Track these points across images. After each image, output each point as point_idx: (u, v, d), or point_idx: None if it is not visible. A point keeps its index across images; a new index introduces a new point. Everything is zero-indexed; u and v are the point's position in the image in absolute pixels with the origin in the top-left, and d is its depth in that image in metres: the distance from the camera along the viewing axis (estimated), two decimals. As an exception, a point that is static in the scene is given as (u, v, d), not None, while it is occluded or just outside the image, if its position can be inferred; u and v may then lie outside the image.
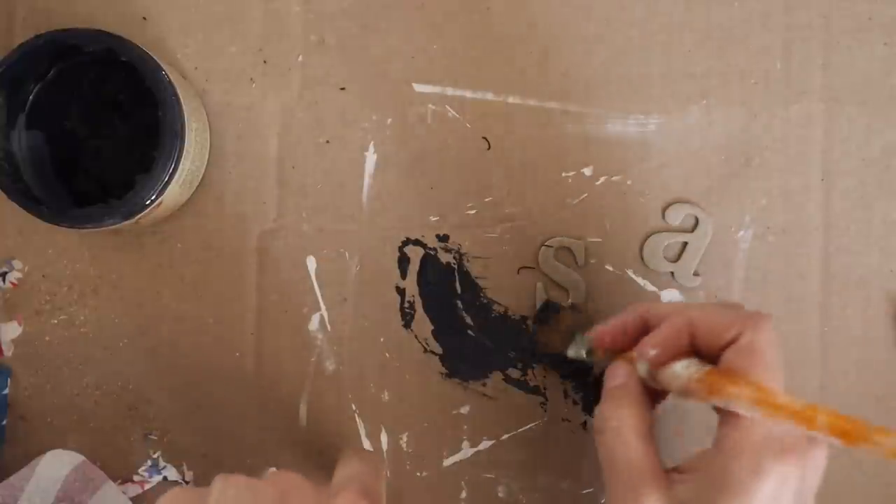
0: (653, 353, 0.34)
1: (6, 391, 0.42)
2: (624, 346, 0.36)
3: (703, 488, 0.30)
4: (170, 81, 0.36)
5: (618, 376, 0.34)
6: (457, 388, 0.42)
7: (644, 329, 0.35)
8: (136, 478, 0.42)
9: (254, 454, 0.42)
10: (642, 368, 0.34)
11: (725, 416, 0.32)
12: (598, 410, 0.34)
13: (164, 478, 0.41)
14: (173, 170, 0.37)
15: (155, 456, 0.42)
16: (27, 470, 0.39)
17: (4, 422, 0.42)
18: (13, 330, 0.42)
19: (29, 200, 0.36)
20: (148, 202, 0.36)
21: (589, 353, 0.37)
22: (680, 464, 0.33)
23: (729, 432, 0.31)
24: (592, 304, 0.42)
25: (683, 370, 0.32)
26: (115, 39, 0.36)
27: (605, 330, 0.36)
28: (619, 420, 0.33)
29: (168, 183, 0.37)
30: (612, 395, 0.34)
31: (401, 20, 0.42)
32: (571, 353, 0.38)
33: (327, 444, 0.42)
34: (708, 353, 0.33)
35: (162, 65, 0.36)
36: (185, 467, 0.42)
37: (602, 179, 0.42)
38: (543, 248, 0.42)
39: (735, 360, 0.32)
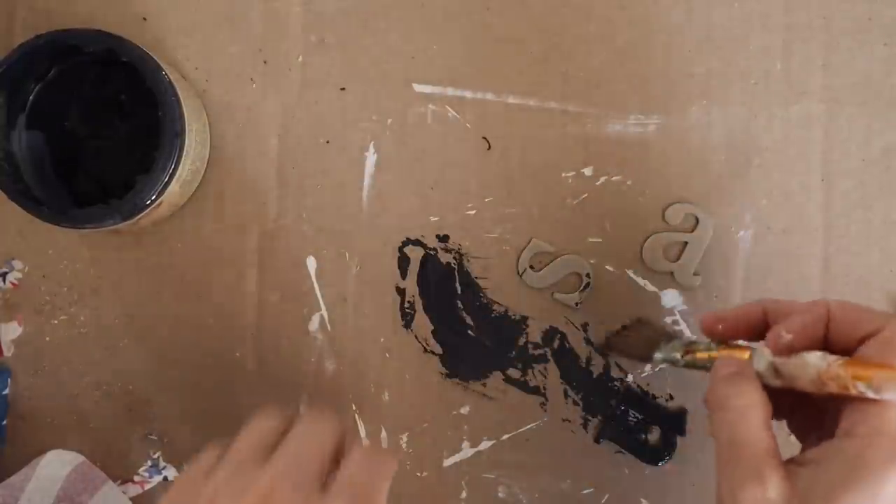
0: (788, 337, 0.32)
1: (6, 391, 0.42)
2: (736, 334, 0.35)
3: (830, 475, 0.29)
4: (170, 82, 0.36)
5: (732, 365, 0.33)
6: (457, 388, 0.42)
7: (762, 322, 0.34)
8: (136, 478, 0.42)
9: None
10: (761, 362, 0.32)
11: (854, 406, 0.30)
12: (711, 390, 0.33)
13: (165, 478, 0.41)
14: (173, 170, 0.37)
15: (155, 456, 0.42)
16: (28, 470, 0.39)
17: (4, 422, 0.42)
18: (13, 330, 0.42)
19: (29, 201, 0.36)
20: (148, 202, 0.36)
21: (685, 353, 0.36)
22: (794, 456, 0.32)
23: (864, 419, 0.30)
24: (592, 303, 0.42)
25: (818, 360, 0.31)
26: (116, 40, 0.36)
27: (719, 316, 0.35)
28: (744, 399, 0.32)
29: (168, 183, 0.37)
30: (731, 378, 0.33)
31: (401, 20, 0.42)
32: (660, 355, 0.37)
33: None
34: (841, 348, 0.32)
35: (162, 65, 0.36)
36: (184, 467, 0.42)
37: (602, 179, 0.42)
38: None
39: (875, 351, 0.31)
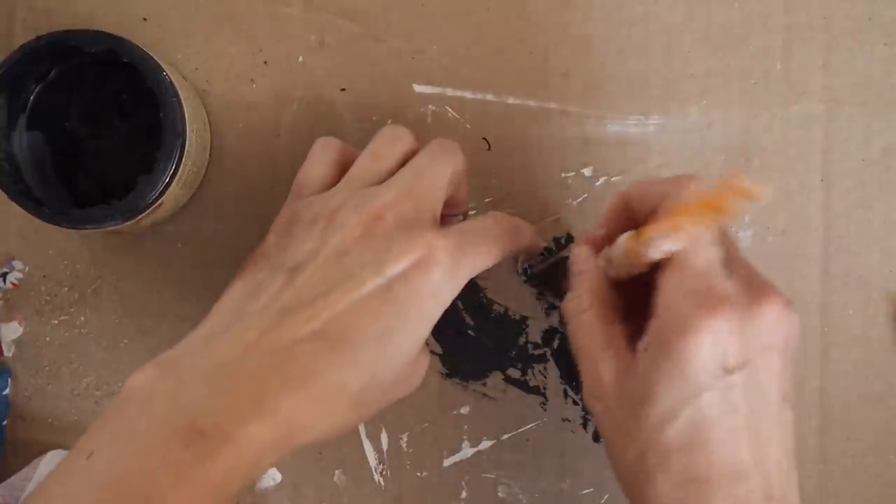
0: (600, 232, 0.34)
1: (7, 391, 0.42)
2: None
3: (648, 357, 0.29)
4: (171, 82, 0.36)
5: (575, 263, 0.34)
6: (457, 388, 0.42)
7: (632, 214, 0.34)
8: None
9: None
10: (601, 259, 0.33)
11: (658, 281, 0.30)
12: (563, 304, 0.34)
13: None
14: (174, 170, 0.37)
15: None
16: (28, 470, 0.39)
17: (5, 422, 0.42)
18: (14, 330, 0.42)
19: (30, 201, 0.36)
20: (149, 203, 0.36)
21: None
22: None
23: (659, 294, 0.30)
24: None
25: (622, 240, 0.32)
26: (116, 40, 0.36)
27: (589, 233, 0.35)
28: (578, 307, 0.33)
29: (169, 183, 0.37)
30: (572, 285, 0.34)
31: (401, 21, 0.42)
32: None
33: (328, 444, 0.42)
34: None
35: (163, 65, 0.36)
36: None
37: (602, 180, 0.42)
38: None
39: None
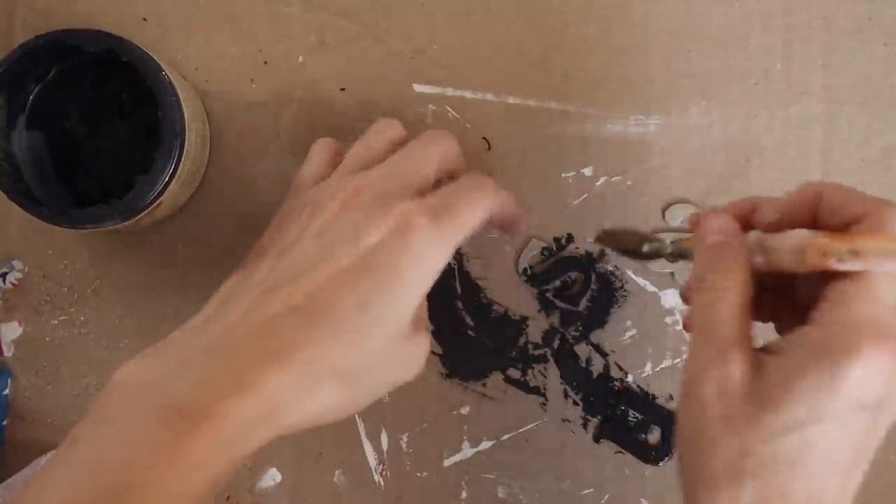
0: (773, 216, 0.31)
1: (6, 391, 0.42)
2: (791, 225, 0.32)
3: (790, 362, 0.28)
4: (170, 82, 0.36)
5: (722, 232, 0.31)
6: (457, 388, 0.42)
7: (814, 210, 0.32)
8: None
9: (253, 455, 0.42)
10: (754, 244, 0.31)
11: (826, 296, 0.29)
12: (696, 264, 0.31)
13: None
14: (173, 170, 0.37)
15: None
16: (28, 470, 0.39)
17: (4, 422, 0.42)
18: (13, 330, 0.42)
19: (29, 201, 0.36)
20: (148, 202, 0.36)
21: (673, 241, 0.34)
22: (767, 344, 0.30)
23: (831, 308, 0.28)
24: (593, 302, 0.42)
25: (802, 233, 0.30)
26: (116, 40, 0.36)
27: (772, 206, 0.32)
28: (725, 279, 0.30)
29: (168, 183, 0.37)
30: (718, 253, 0.31)
31: (401, 21, 0.42)
32: (648, 247, 0.34)
33: (328, 444, 0.42)
34: (829, 230, 0.30)
35: (162, 65, 0.36)
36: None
37: (602, 180, 0.42)
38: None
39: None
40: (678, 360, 0.42)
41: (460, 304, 0.42)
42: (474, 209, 0.31)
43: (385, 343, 0.30)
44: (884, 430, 0.29)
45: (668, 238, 0.34)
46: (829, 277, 0.29)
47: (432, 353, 0.42)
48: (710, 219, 0.31)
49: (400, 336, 0.30)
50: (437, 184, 0.33)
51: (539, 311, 0.42)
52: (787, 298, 0.33)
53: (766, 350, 0.30)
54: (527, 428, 0.42)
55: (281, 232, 0.32)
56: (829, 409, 0.27)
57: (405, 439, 0.42)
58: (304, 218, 0.32)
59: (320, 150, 0.35)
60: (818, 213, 0.31)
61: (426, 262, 0.30)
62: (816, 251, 0.29)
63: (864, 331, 0.27)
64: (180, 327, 0.31)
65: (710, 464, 0.29)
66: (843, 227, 0.30)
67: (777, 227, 0.31)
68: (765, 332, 0.32)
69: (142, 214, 0.37)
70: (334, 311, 0.29)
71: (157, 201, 0.37)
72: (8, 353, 0.42)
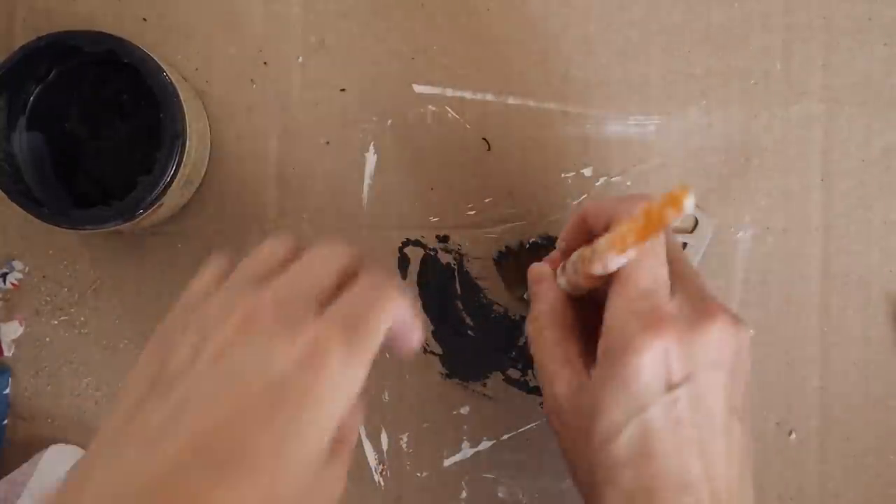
0: (562, 244, 0.35)
1: (7, 391, 0.42)
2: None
3: (597, 373, 0.30)
4: (171, 83, 0.36)
5: (533, 281, 0.35)
6: (457, 389, 0.42)
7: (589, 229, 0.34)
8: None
9: None
10: (561, 280, 0.34)
11: (608, 300, 0.31)
12: (525, 325, 0.35)
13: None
14: (174, 171, 0.37)
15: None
16: (28, 466, 0.39)
17: (5, 421, 0.42)
18: (14, 330, 0.42)
19: (30, 202, 0.36)
20: (149, 203, 0.36)
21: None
22: None
23: (608, 315, 0.30)
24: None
25: (576, 254, 0.33)
26: (116, 41, 0.36)
27: (562, 238, 0.36)
28: (539, 324, 0.33)
29: (169, 184, 0.37)
30: (531, 303, 0.35)
31: (401, 21, 0.42)
32: (525, 295, 0.38)
33: (327, 444, 0.42)
34: None
35: (163, 66, 0.36)
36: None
37: (602, 180, 0.42)
38: None
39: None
40: (678, 360, 0.42)
41: (460, 304, 0.42)
42: (383, 317, 0.28)
43: (304, 478, 0.26)
44: (720, 395, 0.30)
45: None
46: (609, 289, 0.31)
47: (432, 353, 0.42)
48: (529, 273, 0.36)
49: (319, 466, 0.26)
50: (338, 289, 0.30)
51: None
52: None
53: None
54: (527, 428, 0.42)
55: (168, 355, 0.27)
56: (639, 401, 0.29)
57: (405, 439, 0.42)
58: (194, 339, 0.27)
59: (214, 264, 0.32)
60: (591, 231, 0.33)
61: (343, 387, 0.26)
62: (581, 262, 0.32)
63: (634, 323, 0.29)
64: (98, 434, 0.27)
65: (581, 481, 0.31)
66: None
67: (567, 254, 0.34)
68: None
69: (143, 215, 0.37)
70: (246, 453, 0.24)
71: (158, 202, 0.37)
72: (8, 352, 0.42)
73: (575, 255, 0.33)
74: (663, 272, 0.30)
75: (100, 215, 0.36)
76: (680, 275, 0.31)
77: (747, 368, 0.31)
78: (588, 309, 0.34)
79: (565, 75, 0.42)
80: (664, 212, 0.27)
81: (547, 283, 0.35)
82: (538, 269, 0.35)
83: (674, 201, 0.26)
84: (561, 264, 0.35)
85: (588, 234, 0.34)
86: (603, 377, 0.30)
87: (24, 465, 0.40)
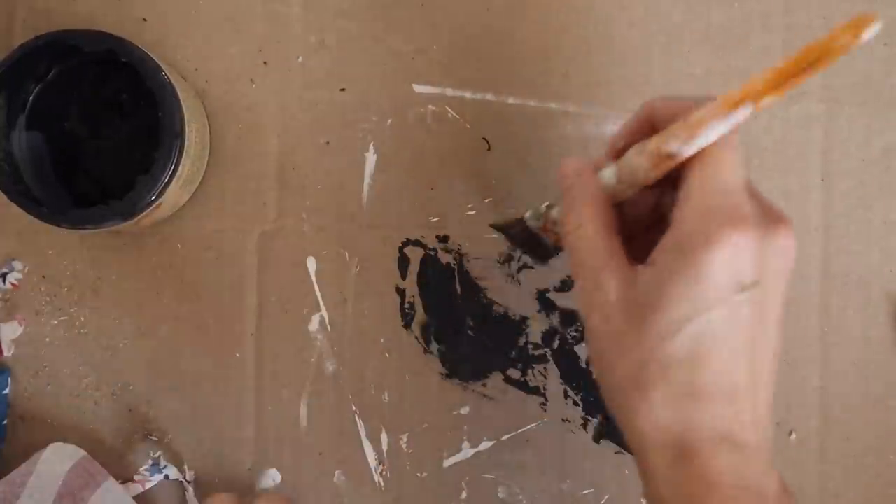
0: (620, 143, 0.33)
1: (6, 391, 0.42)
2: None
3: (659, 269, 0.29)
4: (170, 82, 0.36)
5: (570, 175, 0.33)
6: (457, 389, 0.42)
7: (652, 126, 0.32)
8: (136, 477, 0.42)
9: (254, 455, 0.42)
10: (609, 174, 0.32)
11: (681, 193, 0.30)
12: (561, 218, 0.33)
13: (166, 476, 0.41)
14: (173, 170, 0.37)
15: (156, 455, 0.42)
16: (28, 466, 0.39)
17: (5, 422, 0.42)
18: (13, 330, 0.42)
19: (29, 201, 0.36)
20: (148, 203, 0.36)
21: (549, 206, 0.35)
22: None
23: (683, 205, 0.29)
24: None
25: (639, 146, 0.31)
26: (116, 41, 0.36)
27: (616, 136, 0.33)
28: (578, 218, 0.31)
29: (168, 184, 0.37)
30: (569, 194, 0.32)
31: (401, 21, 0.42)
32: (528, 213, 0.36)
33: (328, 445, 0.42)
34: None
35: (162, 66, 0.36)
36: (185, 466, 0.42)
37: (602, 180, 0.42)
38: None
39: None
40: (678, 360, 0.42)
41: (460, 305, 0.42)
42: None
43: None
44: (777, 305, 0.29)
45: (541, 205, 0.36)
46: (680, 184, 0.30)
47: (432, 353, 0.42)
48: (562, 166, 0.33)
49: None
50: None
51: (539, 312, 0.42)
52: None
53: (642, 264, 0.30)
54: (527, 428, 0.42)
55: None
56: (708, 298, 0.28)
57: (405, 439, 0.42)
58: None
59: None
60: (657, 127, 0.31)
61: None
62: (654, 145, 0.30)
63: (715, 217, 0.28)
64: None
65: (620, 384, 0.30)
66: None
67: (621, 153, 0.32)
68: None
69: (142, 215, 0.37)
70: None
71: (158, 202, 0.37)
72: (8, 353, 0.42)
73: (632, 150, 0.31)
74: (744, 172, 0.29)
75: (99, 215, 0.36)
76: (749, 188, 0.30)
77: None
78: (623, 220, 0.32)
79: (565, 75, 0.42)
80: (837, 39, 0.24)
81: (587, 175, 0.32)
82: (575, 161, 0.32)
83: (854, 27, 0.23)
84: (608, 164, 0.32)
85: (653, 132, 0.31)
86: (670, 270, 0.28)
87: (24, 465, 0.40)
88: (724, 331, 0.28)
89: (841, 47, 0.24)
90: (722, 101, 0.27)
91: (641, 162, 0.30)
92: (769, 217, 0.29)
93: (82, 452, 0.40)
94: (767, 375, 0.29)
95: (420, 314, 0.42)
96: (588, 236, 0.31)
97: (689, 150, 0.29)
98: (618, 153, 0.32)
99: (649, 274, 0.29)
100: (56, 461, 0.40)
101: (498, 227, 0.41)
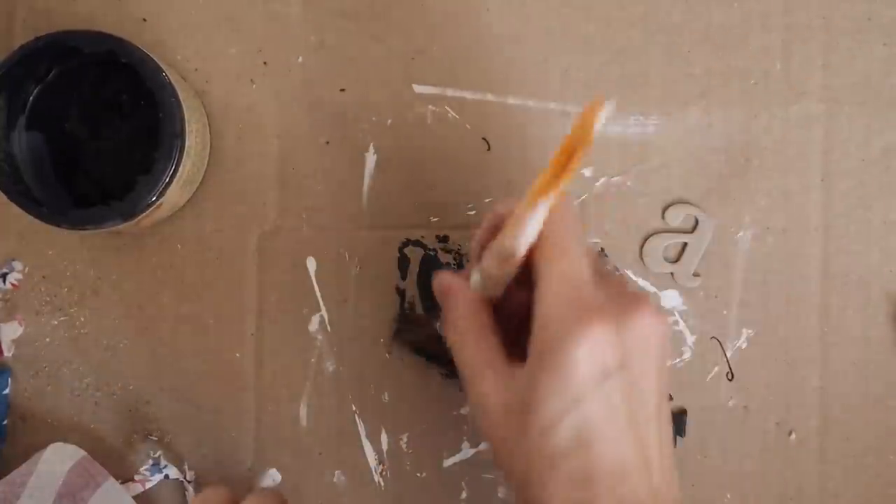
0: (475, 249, 0.34)
1: (7, 391, 0.42)
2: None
3: (530, 367, 0.30)
4: (170, 83, 0.36)
5: (439, 288, 0.34)
6: (457, 389, 0.42)
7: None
8: (137, 477, 0.42)
9: (254, 455, 0.42)
10: (476, 278, 0.33)
11: (536, 292, 0.31)
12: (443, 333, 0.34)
13: (166, 476, 0.41)
14: (173, 171, 0.37)
15: (156, 455, 0.42)
16: (28, 465, 0.39)
17: (5, 422, 0.42)
18: (13, 330, 0.42)
19: (29, 202, 0.36)
20: (148, 203, 0.36)
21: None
22: None
23: (537, 305, 0.30)
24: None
25: (493, 243, 0.32)
26: (116, 41, 0.36)
27: (475, 243, 0.35)
28: (455, 331, 0.33)
29: (168, 184, 0.37)
30: (444, 310, 0.34)
31: (400, 21, 0.42)
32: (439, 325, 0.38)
33: (328, 445, 0.42)
34: None
35: (162, 66, 0.36)
36: (186, 466, 0.42)
37: (602, 180, 0.42)
38: None
39: None
40: (678, 360, 0.42)
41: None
42: None
43: None
44: (650, 378, 0.30)
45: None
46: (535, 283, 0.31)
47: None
48: (435, 281, 0.34)
49: None
50: None
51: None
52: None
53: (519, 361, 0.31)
54: (527, 428, 0.42)
55: None
56: (577, 392, 0.29)
57: (405, 439, 0.42)
58: None
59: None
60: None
61: None
62: (495, 246, 0.31)
63: (566, 314, 0.29)
64: None
65: (517, 480, 0.31)
66: None
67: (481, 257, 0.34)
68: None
69: (142, 215, 0.37)
70: None
71: (158, 202, 0.37)
72: (8, 353, 0.42)
73: (490, 245, 0.32)
74: (587, 262, 0.31)
75: (99, 215, 0.36)
76: (599, 272, 0.32)
77: (668, 354, 0.32)
78: (502, 317, 0.34)
79: (565, 75, 0.42)
80: (579, 131, 0.26)
81: (457, 287, 0.34)
82: (446, 278, 0.34)
83: (587, 117, 0.26)
84: (475, 264, 0.34)
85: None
86: (537, 372, 0.30)
87: (24, 465, 0.40)
88: (600, 417, 0.29)
89: (585, 134, 0.26)
90: (527, 196, 0.29)
91: (492, 264, 0.32)
92: (624, 300, 0.30)
93: (82, 452, 0.40)
94: (658, 445, 0.30)
95: (420, 315, 0.42)
96: (467, 346, 0.32)
97: (521, 246, 0.30)
98: (477, 259, 0.34)
99: (523, 376, 0.30)
100: (56, 461, 0.40)
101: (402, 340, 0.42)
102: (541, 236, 0.30)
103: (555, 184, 0.28)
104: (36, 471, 0.39)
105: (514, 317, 0.33)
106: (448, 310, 0.34)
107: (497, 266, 0.32)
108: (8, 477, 0.39)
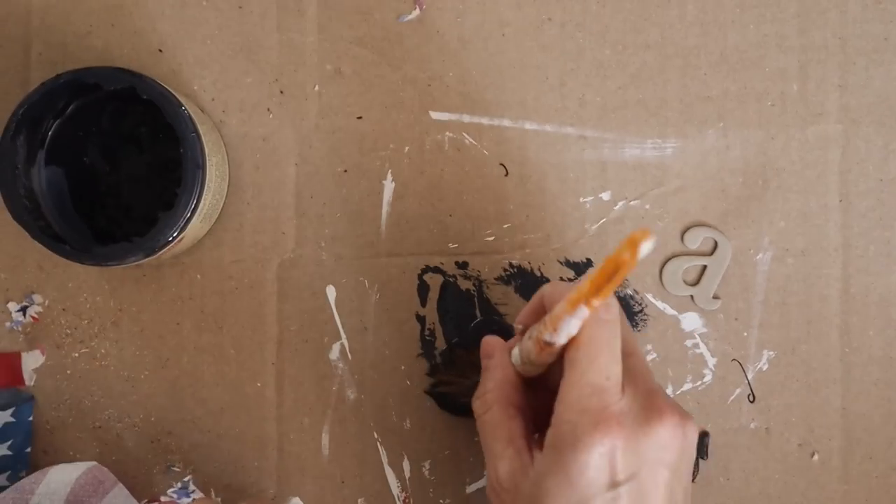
0: (520, 327, 0.35)
1: (31, 418, 0.42)
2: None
3: (544, 460, 0.31)
4: (190, 117, 0.36)
5: (485, 355, 0.35)
6: (478, 415, 0.42)
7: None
8: (163, 498, 0.41)
9: (277, 484, 0.42)
10: (516, 354, 0.34)
11: (560, 388, 0.31)
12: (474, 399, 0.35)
13: (193, 501, 0.41)
14: (195, 206, 0.37)
15: (186, 479, 0.41)
16: (38, 474, 0.39)
17: (28, 449, 0.42)
18: (35, 359, 0.42)
19: (51, 239, 0.36)
20: (170, 239, 0.36)
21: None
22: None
23: (558, 402, 0.31)
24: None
25: (532, 330, 0.33)
26: (136, 77, 0.36)
27: (519, 319, 0.36)
28: (486, 403, 0.34)
29: (190, 219, 0.37)
30: (483, 377, 0.35)
31: (416, 48, 0.42)
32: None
33: (350, 473, 0.42)
34: None
35: (182, 101, 0.36)
36: (213, 494, 0.42)
37: (620, 204, 0.42)
38: None
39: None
40: (699, 382, 0.42)
41: (481, 329, 0.42)
42: None
43: None
44: (658, 492, 0.30)
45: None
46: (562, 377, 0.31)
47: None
48: (482, 345, 0.36)
49: None
50: None
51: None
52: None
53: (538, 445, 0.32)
54: (549, 453, 0.42)
55: None
56: (582, 496, 0.29)
57: (427, 466, 0.42)
58: None
59: None
60: (548, 310, 0.33)
61: None
62: (537, 332, 0.31)
63: (584, 418, 0.29)
64: None
65: None
66: None
67: (524, 333, 0.34)
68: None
69: (164, 250, 0.37)
70: None
71: (180, 237, 0.37)
72: (30, 382, 0.42)
73: (532, 328, 0.33)
74: (616, 369, 0.31)
75: (122, 251, 0.36)
76: (632, 370, 0.32)
77: (691, 462, 0.32)
78: (539, 392, 0.34)
79: (582, 100, 0.42)
80: (621, 256, 0.26)
81: (499, 356, 0.35)
82: (492, 341, 0.35)
83: (631, 244, 0.26)
84: (518, 340, 0.34)
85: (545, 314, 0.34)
86: (548, 467, 0.30)
87: (34, 475, 0.39)
88: None
89: (626, 262, 0.26)
90: (567, 300, 0.29)
91: (531, 346, 0.32)
92: (648, 410, 0.30)
93: (92, 462, 0.40)
94: None
95: (441, 341, 0.42)
96: (493, 421, 0.33)
97: (560, 339, 0.30)
98: (521, 333, 0.35)
99: (538, 466, 0.31)
100: (66, 469, 0.40)
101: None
102: (576, 337, 0.30)
103: (594, 296, 0.28)
104: (45, 478, 0.39)
105: (552, 394, 0.33)
106: (485, 376, 0.35)
107: (535, 353, 0.32)
108: (18, 483, 0.39)
